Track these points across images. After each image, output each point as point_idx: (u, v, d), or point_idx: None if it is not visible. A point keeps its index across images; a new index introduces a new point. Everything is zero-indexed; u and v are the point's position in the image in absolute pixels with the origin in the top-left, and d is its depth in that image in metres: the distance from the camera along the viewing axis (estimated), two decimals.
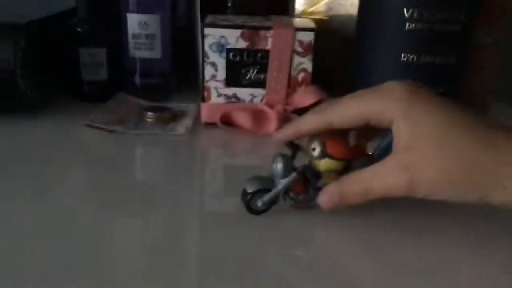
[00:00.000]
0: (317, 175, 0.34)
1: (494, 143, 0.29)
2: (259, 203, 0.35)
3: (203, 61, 0.51)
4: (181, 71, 0.65)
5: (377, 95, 0.32)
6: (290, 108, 0.52)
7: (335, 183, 0.33)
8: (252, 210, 0.35)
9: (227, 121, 0.52)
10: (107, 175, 0.42)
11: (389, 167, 0.31)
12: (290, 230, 0.35)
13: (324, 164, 0.34)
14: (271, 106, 0.52)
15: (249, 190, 0.34)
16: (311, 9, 0.63)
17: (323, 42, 0.53)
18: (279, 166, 0.34)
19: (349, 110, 0.33)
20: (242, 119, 0.52)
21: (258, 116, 0.52)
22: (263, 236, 0.34)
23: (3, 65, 0.47)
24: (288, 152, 0.36)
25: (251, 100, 0.52)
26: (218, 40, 0.50)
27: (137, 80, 0.60)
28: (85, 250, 0.32)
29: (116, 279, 0.29)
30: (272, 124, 0.51)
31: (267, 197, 0.34)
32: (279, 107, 0.51)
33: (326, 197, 0.34)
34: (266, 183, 0.35)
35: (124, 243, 0.33)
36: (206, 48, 0.50)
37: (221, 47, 0.50)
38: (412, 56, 0.48)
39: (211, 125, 0.53)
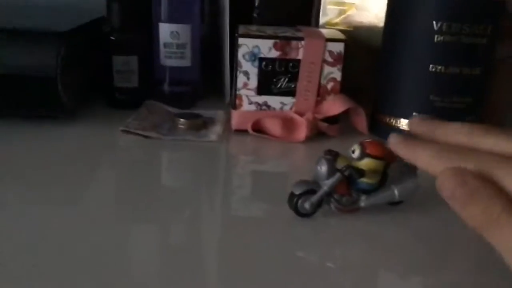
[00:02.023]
0: (361, 173, 0.35)
1: None
2: (307, 205, 0.36)
3: (236, 70, 0.53)
4: (206, 79, 0.66)
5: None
6: (319, 116, 0.54)
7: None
8: (300, 213, 0.36)
9: (257, 128, 0.54)
10: (142, 180, 0.43)
11: None
12: (323, 234, 0.36)
13: (365, 164, 0.35)
14: (300, 114, 0.53)
15: (297, 192, 0.36)
16: (335, 20, 0.65)
17: (349, 52, 0.54)
18: (323, 167, 0.36)
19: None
20: (272, 126, 0.53)
21: (288, 123, 0.53)
22: (292, 241, 0.35)
23: (45, 72, 0.49)
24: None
25: (281, 108, 0.54)
26: (251, 50, 0.52)
27: (166, 87, 0.62)
28: (111, 254, 0.32)
29: (147, 283, 0.30)
30: (301, 132, 0.53)
31: (314, 198, 0.36)
32: (309, 114, 0.53)
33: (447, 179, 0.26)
34: (312, 185, 0.36)
35: (150, 247, 0.34)
36: (240, 57, 0.52)
37: (253, 57, 0.52)
38: (440, 67, 0.50)
39: (241, 132, 0.54)
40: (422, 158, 0.28)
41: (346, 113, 0.54)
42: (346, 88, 0.54)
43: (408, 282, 0.32)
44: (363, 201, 0.37)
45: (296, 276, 0.31)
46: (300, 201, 0.36)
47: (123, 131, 0.51)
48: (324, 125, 0.54)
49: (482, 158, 0.26)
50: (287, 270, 0.32)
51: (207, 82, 0.67)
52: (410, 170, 0.37)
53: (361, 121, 0.55)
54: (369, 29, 0.63)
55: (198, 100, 0.64)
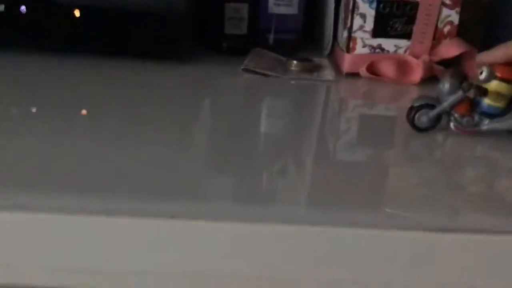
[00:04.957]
0: (484, 91, 0.35)
1: None
2: (424, 119, 0.36)
3: (353, 11, 0.53)
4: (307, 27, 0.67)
5: None
6: (435, 58, 0.54)
7: None
8: (416, 126, 0.37)
9: (371, 71, 0.54)
10: (262, 118, 0.45)
11: None
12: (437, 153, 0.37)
13: (491, 86, 0.35)
14: (416, 57, 0.54)
15: (415, 104, 0.36)
16: None
17: None
18: (446, 84, 0.36)
19: None
20: (387, 68, 0.54)
21: (402, 65, 0.54)
22: (399, 181, 0.34)
23: (172, 13, 0.51)
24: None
25: (395, 51, 0.54)
26: None
27: (272, 35, 0.63)
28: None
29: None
30: (416, 74, 0.53)
31: (432, 113, 0.36)
32: (425, 57, 0.53)
33: None
34: (432, 100, 0.36)
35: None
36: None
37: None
38: None
39: (353, 75, 0.55)
40: None
41: (463, 55, 0.54)
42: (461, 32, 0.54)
43: None
44: (486, 125, 0.36)
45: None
46: (418, 115, 0.36)
47: (243, 69, 0.53)
48: (439, 68, 0.54)
49: None
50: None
51: (306, 31, 0.68)
52: None
53: (474, 66, 0.55)
54: None
55: (300, 49, 0.65)
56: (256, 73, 0.53)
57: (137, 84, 0.49)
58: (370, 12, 0.53)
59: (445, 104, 0.36)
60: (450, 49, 0.53)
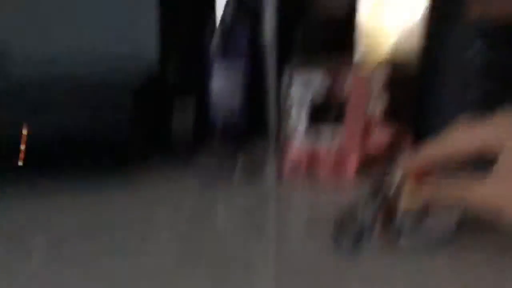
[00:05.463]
0: (393, 204, 0.38)
1: None
2: (347, 238, 0.39)
3: (286, 112, 0.57)
4: (256, 118, 0.71)
5: (493, 128, 0.34)
6: (367, 150, 0.57)
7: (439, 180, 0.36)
8: (341, 246, 0.39)
9: (311, 163, 0.57)
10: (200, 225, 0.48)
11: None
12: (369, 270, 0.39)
13: (406, 190, 0.37)
14: (351, 145, 0.57)
15: (337, 227, 0.39)
16: (374, 51, 0.68)
17: (389, 80, 0.58)
18: (361, 199, 0.39)
19: (468, 141, 0.35)
20: (323, 163, 0.57)
21: (339, 155, 0.57)
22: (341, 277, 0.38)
23: (117, 134, 0.54)
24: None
25: (332, 141, 0.58)
26: (301, 91, 0.56)
27: (220, 128, 0.67)
28: None
29: None
30: (352, 163, 0.56)
31: (354, 230, 0.39)
32: (357, 148, 0.57)
33: (428, 190, 0.36)
34: (352, 219, 0.39)
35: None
36: (289, 100, 0.56)
37: (303, 99, 0.56)
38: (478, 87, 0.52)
39: (295, 168, 0.58)
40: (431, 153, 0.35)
41: (394, 139, 0.57)
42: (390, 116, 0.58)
43: None
44: (403, 236, 0.40)
45: None
46: (341, 235, 0.39)
47: (194, 178, 0.56)
48: (373, 154, 0.57)
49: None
50: None
51: (259, 121, 0.71)
52: (451, 205, 0.39)
53: (408, 146, 0.58)
54: (406, 58, 0.66)
55: (248, 141, 0.69)
56: (204, 181, 0.56)
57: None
58: (303, 113, 0.57)
59: (366, 218, 0.39)
60: (381, 135, 0.57)
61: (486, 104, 0.53)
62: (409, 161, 0.38)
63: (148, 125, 0.66)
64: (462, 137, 0.35)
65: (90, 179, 0.56)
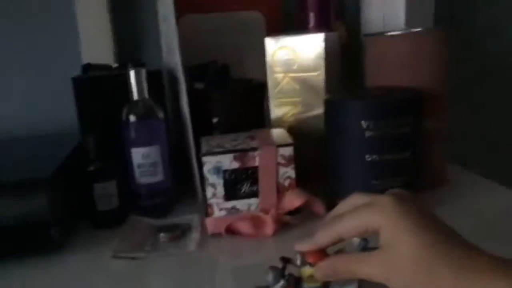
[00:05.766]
0: (299, 280, 0.43)
1: (475, 268, 0.33)
2: None
3: (204, 183, 0.60)
4: (179, 186, 0.74)
5: (372, 210, 0.38)
6: (282, 211, 0.61)
7: (331, 260, 0.40)
8: None
9: (230, 230, 0.61)
10: None
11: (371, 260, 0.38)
12: None
13: (306, 271, 0.42)
14: (266, 211, 0.61)
15: None
16: (284, 118, 0.74)
17: (298, 144, 0.63)
18: (270, 276, 0.43)
19: (353, 225, 0.39)
20: (243, 226, 0.60)
21: (256, 221, 0.60)
22: None
23: (37, 218, 0.55)
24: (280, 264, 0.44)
25: (248, 209, 0.62)
26: (215, 165, 0.60)
27: (144, 202, 0.69)
28: None
29: None
30: (269, 227, 0.60)
31: None
32: (273, 211, 0.61)
33: (321, 271, 0.40)
34: None
35: None
36: (205, 172, 0.60)
37: (217, 170, 0.60)
38: (374, 156, 0.58)
39: (216, 235, 0.61)
40: (322, 237, 0.41)
41: (305, 203, 0.62)
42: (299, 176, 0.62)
43: None
44: None
45: None
46: None
47: (112, 257, 0.57)
48: (287, 218, 0.61)
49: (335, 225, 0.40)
50: None
51: (181, 187, 0.74)
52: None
53: (318, 208, 0.63)
54: (314, 123, 0.72)
55: (174, 207, 0.71)
56: (125, 258, 0.57)
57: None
58: (218, 182, 0.60)
59: None
60: (293, 200, 0.61)
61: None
62: (303, 245, 0.42)
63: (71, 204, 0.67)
64: (349, 217, 0.40)
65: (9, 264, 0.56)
